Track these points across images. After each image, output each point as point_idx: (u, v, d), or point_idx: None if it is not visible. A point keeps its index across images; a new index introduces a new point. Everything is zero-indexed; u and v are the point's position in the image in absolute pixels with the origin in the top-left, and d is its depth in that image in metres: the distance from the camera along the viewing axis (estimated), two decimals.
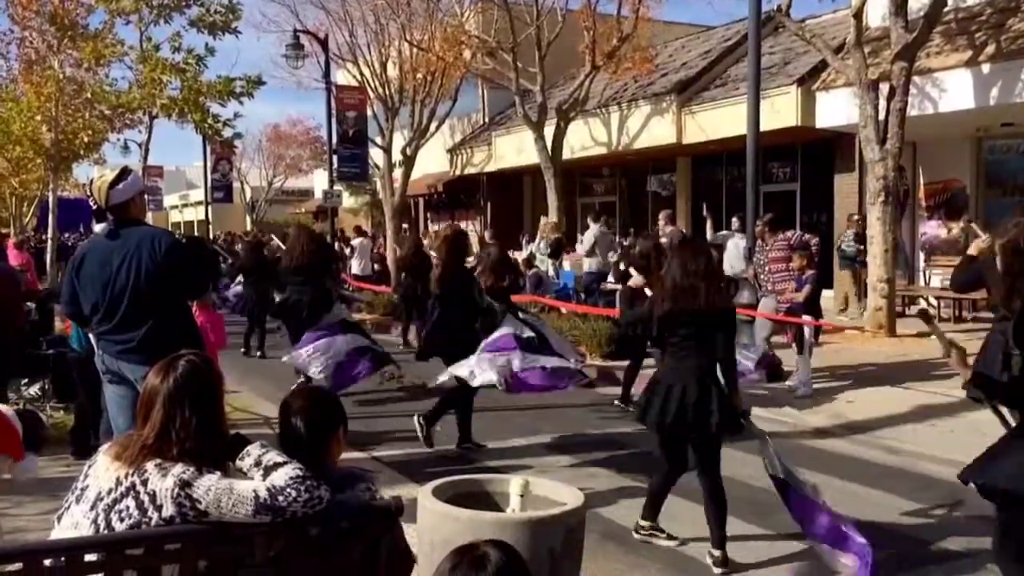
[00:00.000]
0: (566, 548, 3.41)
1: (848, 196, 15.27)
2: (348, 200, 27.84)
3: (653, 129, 18.10)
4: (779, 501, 4.75)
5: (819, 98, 14.34)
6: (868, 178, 11.75)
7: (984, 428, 5.95)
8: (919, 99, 12.50)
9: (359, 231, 21.66)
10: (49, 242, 16.80)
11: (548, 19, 17.98)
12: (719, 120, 16.41)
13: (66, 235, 22.82)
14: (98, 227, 4.59)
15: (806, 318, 8.79)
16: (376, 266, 19.90)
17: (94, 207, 4.50)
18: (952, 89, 12.41)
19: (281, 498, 2.38)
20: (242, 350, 12.10)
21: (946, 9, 11.97)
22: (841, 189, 15.56)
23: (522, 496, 3.53)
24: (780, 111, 14.95)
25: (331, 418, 2.81)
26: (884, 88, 11.30)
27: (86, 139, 15.27)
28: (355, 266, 18.81)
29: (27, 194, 22.10)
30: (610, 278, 13.71)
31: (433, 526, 3.45)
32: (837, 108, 13.77)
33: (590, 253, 13.99)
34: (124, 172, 4.53)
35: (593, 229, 14.32)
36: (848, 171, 15.32)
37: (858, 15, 11.54)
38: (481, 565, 1.89)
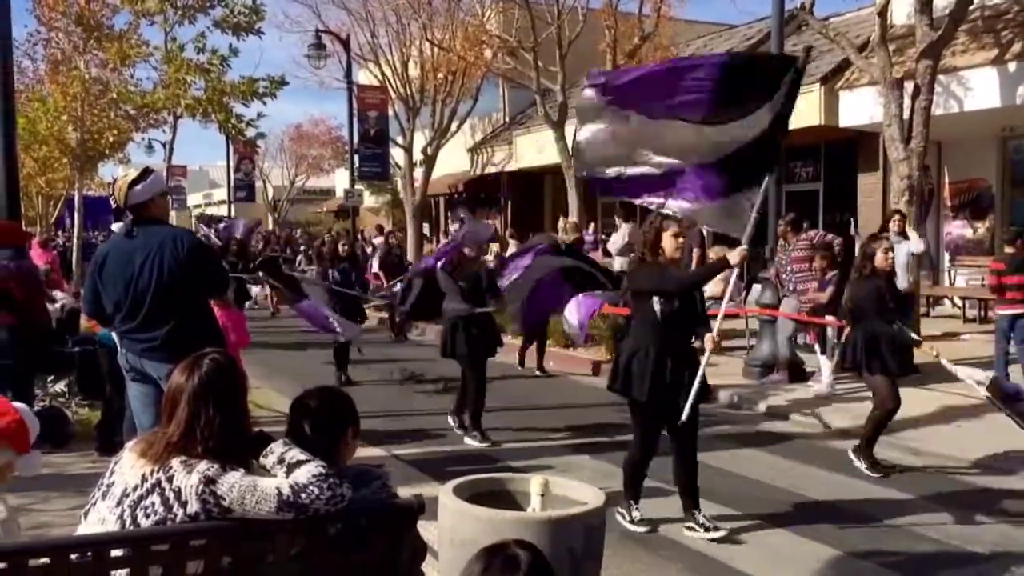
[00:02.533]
0: (586, 547, 3.41)
1: (872, 196, 15.13)
2: (369, 199, 27.94)
3: None
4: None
5: (842, 97, 14.23)
6: (892, 177, 11.63)
7: (1012, 429, 5.91)
8: (944, 98, 12.36)
9: (380, 230, 21.75)
10: (74, 241, 16.98)
11: (569, 18, 17.93)
12: None
13: (94, 233, 22.96)
14: (115, 226, 4.64)
15: (829, 318, 8.73)
16: None
17: (114, 206, 4.57)
18: (978, 88, 12.28)
19: (304, 495, 2.40)
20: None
21: (972, 7, 11.82)
22: (864, 189, 15.43)
23: (542, 495, 3.53)
24: (803, 110, 14.76)
25: (341, 419, 2.82)
26: (909, 87, 11.18)
27: (111, 139, 15.44)
28: (376, 265, 18.87)
29: (53, 193, 22.36)
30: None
31: (454, 525, 3.46)
32: (861, 107, 13.66)
33: (622, 252, 13.96)
34: (145, 172, 4.58)
35: (624, 228, 14.34)
36: (872, 170, 15.18)
37: (882, 13, 11.42)
38: (514, 566, 1.89)
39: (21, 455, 2.89)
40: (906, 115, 11.05)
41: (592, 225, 18.85)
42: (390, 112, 22.15)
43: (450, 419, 7.53)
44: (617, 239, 14.29)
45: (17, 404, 3.01)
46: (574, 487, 3.81)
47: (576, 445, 7.16)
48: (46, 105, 15.04)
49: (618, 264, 14.10)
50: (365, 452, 6.33)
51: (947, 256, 15.09)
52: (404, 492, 2.80)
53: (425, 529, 2.77)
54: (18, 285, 6.71)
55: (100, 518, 2.44)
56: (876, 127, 12.57)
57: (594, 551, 3.49)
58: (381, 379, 10.18)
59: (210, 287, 4.78)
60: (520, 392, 7.66)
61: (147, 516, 2.37)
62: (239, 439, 2.53)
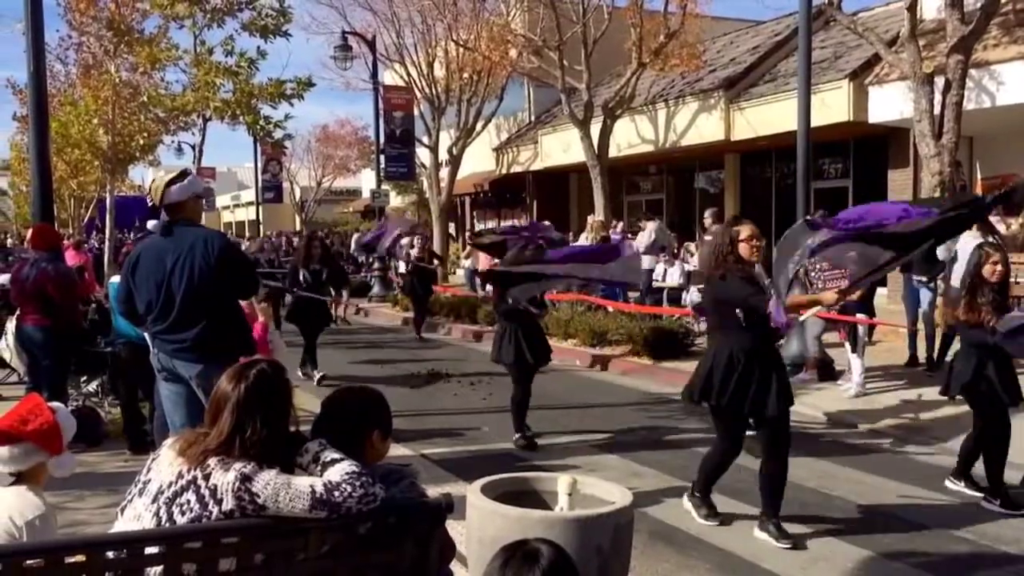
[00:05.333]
0: (614, 547, 3.41)
1: (902, 192, 14.95)
2: (395, 199, 28.07)
3: (701, 126, 17.93)
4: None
5: (871, 92, 14.08)
6: (923, 174, 11.51)
7: None
8: (976, 92, 12.21)
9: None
10: (106, 243, 17.19)
11: (594, 16, 17.90)
12: (768, 116, 16.20)
13: (126, 232, 23.20)
14: (151, 224, 4.71)
15: (860, 316, 8.64)
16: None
17: (150, 205, 4.64)
18: (1010, 82, 12.11)
19: (337, 493, 2.41)
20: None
21: (1004, 0, 11.68)
22: (895, 185, 15.26)
23: (570, 494, 3.53)
24: (831, 106, 14.70)
25: (365, 420, 2.80)
26: (939, 82, 11.04)
27: (141, 141, 15.59)
28: (403, 266, 18.92)
29: (85, 196, 22.64)
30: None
31: (481, 524, 3.47)
32: (890, 102, 13.51)
33: (648, 251, 13.93)
34: (182, 174, 4.66)
35: (651, 227, 14.36)
36: (902, 167, 15.02)
37: (912, 7, 11.29)
38: (534, 560, 1.91)
39: (54, 456, 2.94)
40: (937, 110, 10.92)
41: (619, 224, 18.82)
42: (416, 112, 22.25)
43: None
44: (643, 238, 14.30)
45: (54, 404, 3.07)
46: (602, 486, 3.81)
47: (603, 444, 7.15)
48: (78, 109, 15.21)
49: (646, 263, 14.09)
50: (393, 451, 6.35)
51: None
52: (432, 491, 2.81)
53: (453, 528, 2.79)
54: (55, 287, 6.82)
55: (136, 514, 2.47)
56: (906, 123, 12.44)
57: (622, 550, 3.49)
58: (408, 378, 10.21)
59: (240, 288, 4.83)
60: (548, 391, 7.68)
61: (182, 513, 2.39)
62: (279, 447, 2.53)
